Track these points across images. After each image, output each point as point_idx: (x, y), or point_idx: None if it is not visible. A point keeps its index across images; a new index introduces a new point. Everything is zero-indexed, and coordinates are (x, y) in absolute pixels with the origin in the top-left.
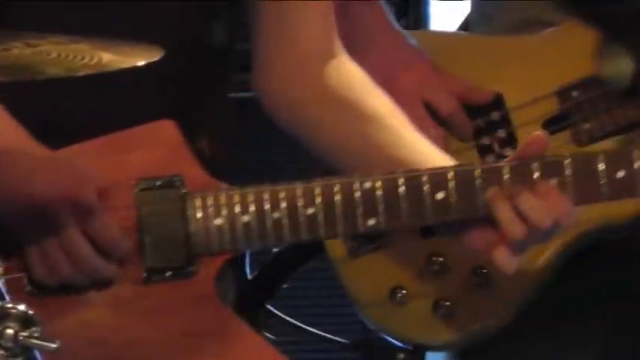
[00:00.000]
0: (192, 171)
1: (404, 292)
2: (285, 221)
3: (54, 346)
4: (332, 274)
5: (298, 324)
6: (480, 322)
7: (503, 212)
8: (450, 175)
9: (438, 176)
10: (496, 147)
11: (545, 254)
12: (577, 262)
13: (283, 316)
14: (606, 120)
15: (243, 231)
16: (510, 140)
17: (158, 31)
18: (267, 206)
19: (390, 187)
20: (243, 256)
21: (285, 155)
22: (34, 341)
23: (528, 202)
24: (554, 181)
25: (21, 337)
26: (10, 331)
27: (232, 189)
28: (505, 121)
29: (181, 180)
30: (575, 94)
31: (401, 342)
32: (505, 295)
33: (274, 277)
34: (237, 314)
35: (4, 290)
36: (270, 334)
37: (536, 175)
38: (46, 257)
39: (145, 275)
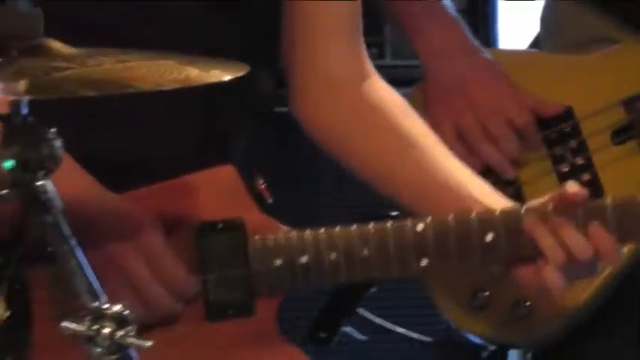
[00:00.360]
0: (252, 214)
1: (485, 294)
2: (342, 261)
3: (148, 344)
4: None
5: (384, 324)
6: (554, 322)
7: (545, 238)
8: (499, 216)
9: (487, 219)
10: (569, 156)
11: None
12: None
13: (370, 316)
14: None
15: (301, 271)
16: (582, 149)
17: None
18: (324, 247)
19: (441, 230)
20: None
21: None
22: (129, 340)
23: (569, 230)
24: (596, 223)
25: (117, 337)
26: (106, 331)
27: (290, 231)
28: (576, 132)
29: (242, 222)
30: None
31: (484, 341)
32: (580, 291)
33: (363, 283)
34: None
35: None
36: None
37: (580, 214)
38: (114, 298)
39: (206, 313)
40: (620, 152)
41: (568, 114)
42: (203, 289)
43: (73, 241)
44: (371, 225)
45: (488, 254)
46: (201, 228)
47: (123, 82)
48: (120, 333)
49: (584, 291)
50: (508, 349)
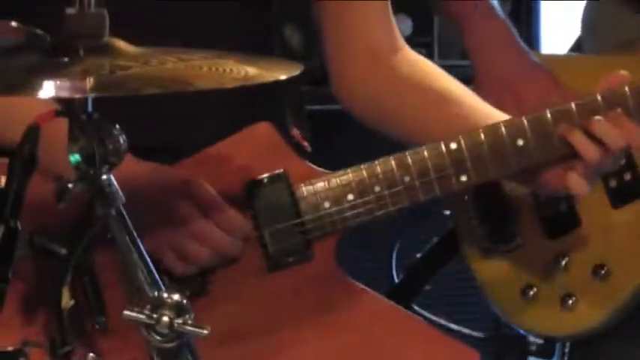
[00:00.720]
0: (294, 163)
1: (534, 289)
2: (386, 192)
3: (205, 332)
4: (467, 274)
5: (437, 319)
6: (603, 312)
7: (579, 140)
8: (525, 122)
9: (514, 125)
10: None
11: None
12: None
13: (423, 312)
14: None
15: (350, 209)
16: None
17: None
18: (367, 182)
19: (474, 143)
20: (390, 263)
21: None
22: (188, 328)
23: (601, 126)
24: (619, 110)
25: (176, 325)
26: (165, 319)
27: (332, 173)
28: None
29: (286, 173)
30: None
31: (533, 335)
32: (625, 287)
33: (418, 280)
34: None
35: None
36: None
37: (601, 106)
38: (182, 252)
39: (268, 265)
40: None
41: None
42: (261, 242)
43: (135, 234)
44: (406, 152)
45: (521, 158)
46: (249, 186)
47: (185, 80)
48: (178, 321)
49: (625, 288)
50: (555, 343)
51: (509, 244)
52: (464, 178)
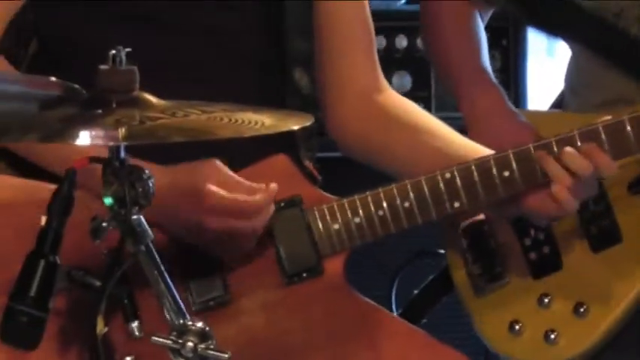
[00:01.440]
0: (308, 190)
1: (520, 324)
2: (388, 216)
3: (226, 356)
4: (459, 309)
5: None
6: (582, 346)
7: (552, 165)
8: (511, 155)
9: (502, 158)
10: (591, 205)
11: (633, 291)
12: None
13: None
14: None
15: (357, 230)
16: (602, 198)
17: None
18: (372, 207)
19: (466, 174)
20: (390, 297)
21: None
22: (211, 352)
23: (570, 155)
24: (592, 143)
25: (199, 349)
26: (190, 344)
27: (341, 199)
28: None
29: (300, 199)
30: None
31: None
32: (601, 324)
33: (415, 314)
34: None
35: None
36: None
37: (577, 141)
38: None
39: (285, 280)
40: (635, 201)
41: None
42: (278, 259)
43: (162, 267)
44: (407, 181)
45: (508, 187)
46: None
47: (207, 130)
48: (202, 346)
49: (602, 325)
50: None
51: (498, 283)
52: (457, 204)
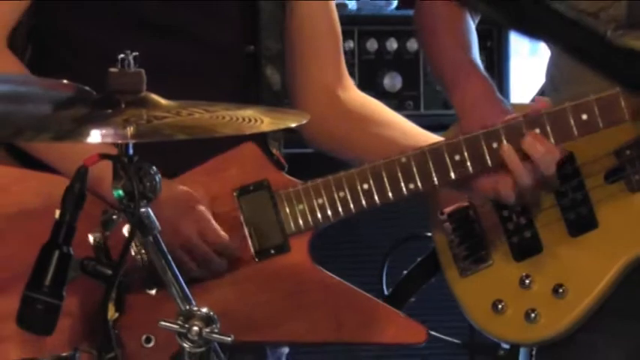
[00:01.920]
0: (275, 175)
1: (503, 304)
2: (349, 197)
3: (229, 339)
4: (445, 290)
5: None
6: (561, 325)
7: (510, 157)
8: (462, 141)
9: (453, 144)
10: (569, 193)
11: (608, 274)
12: None
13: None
14: None
15: (320, 211)
16: (580, 187)
17: None
18: (334, 189)
19: (420, 159)
20: (381, 279)
21: None
22: (215, 335)
23: (529, 143)
24: (537, 130)
25: (204, 333)
26: (196, 328)
27: (305, 183)
28: (576, 173)
29: (268, 182)
30: (628, 152)
31: (501, 342)
32: (579, 304)
33: (404, 294)
34: None
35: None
36: None
37: (523, 129)
38: (178, 262)
39: (254, 256)
40: (611, 190)
41: (570, 159)
42: (250, 237)
43: (169, 256)
44: (366, 165)
45: (458, 170)
46: (239, 192)
47: (210, 128)
48: (207, 330)
49: (581, 304)
50: (519, 348)
51: (482, 265)
52: (412, 186)
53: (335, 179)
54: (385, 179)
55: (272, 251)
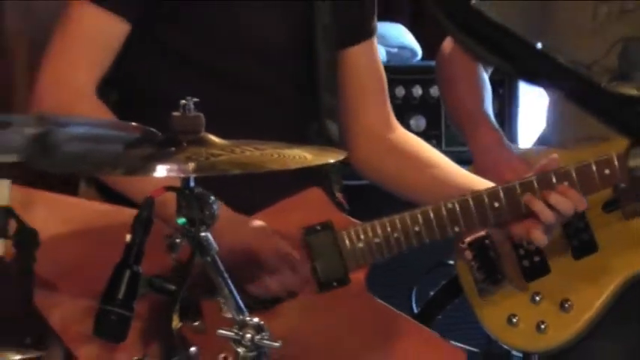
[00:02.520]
0: (337, 216)
1: (516, 318)
2: (402, 238)
3: (277, 344)
4: (466, 307)
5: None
6: (567, 335)
7: (538, 205)
8: (501, 191)
9: (493, 193)
10: (573, 222)
11: (607, 291)
12: None
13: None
14: None
15: (377, 248)
16: (582, 217)
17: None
18: (389, 230)
19: (464, 205)
20: (410, 300)
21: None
22: (265, 342)
23: (555, 197)
24: (566, 184)
25: (256, 339)
26: (249, 335)
27: (364, 224)
28: None
29: (331, 223)
30: (622, 185)
31: (514, 350)
32: (582, 317)
33: (431, 312)
34: None
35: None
36: None
37: (554, 180)
38: (260, 284)
39: (318, 288)
40: (609, 218)
41: None
42: (314, 271)
43: (225, 274)
44: (417, 210)
45: (496, 216)
46: (306, 231)
47: (260, 164)
48: (258, 337)
49: (583, 318)
50: (532, 355)
51: (498, 286)
52: (457, 229)
53: (390, 222)
54: (434, 223)
55: (334, 284)
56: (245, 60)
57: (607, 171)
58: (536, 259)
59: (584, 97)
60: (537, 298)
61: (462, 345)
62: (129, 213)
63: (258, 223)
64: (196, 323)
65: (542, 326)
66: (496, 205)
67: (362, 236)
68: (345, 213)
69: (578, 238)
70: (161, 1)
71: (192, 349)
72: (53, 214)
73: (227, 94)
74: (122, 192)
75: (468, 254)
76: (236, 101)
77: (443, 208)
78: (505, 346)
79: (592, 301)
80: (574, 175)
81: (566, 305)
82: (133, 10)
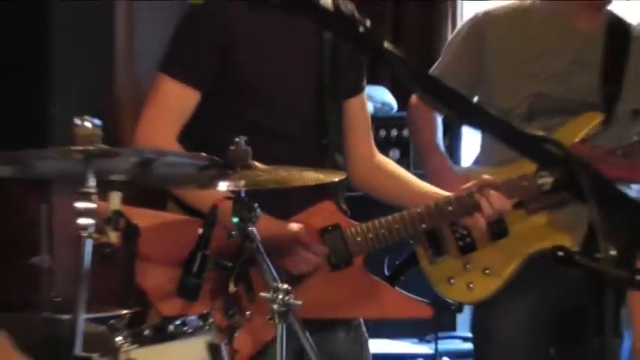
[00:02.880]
0: (343, 220)
1: (454, 279)
2: (387, 233)
3: (299, 303)
4: (420, 273)
5: (407, 294)
6: (486, 292)
7: (485, 203)
8: (453, 198)
9: (449, 200)
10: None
11: (514, 264)
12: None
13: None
14: (544, 201)
15: (370, 242)
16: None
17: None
18: (378, 228)
19: (429, 210)
20: (383, 267)
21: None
22: (292, 301)
23: (493, 199)
24: (496, 192)
25: (285, 299)
26: (280, 297)
27: (362, 224)
28: None
29: (339, 225)
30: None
31: (453, 301)
32: (498, 280)
33: (397, 275)
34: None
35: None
36: None
37: (489, 190)
38: (294, 265)
39: (330, 269)
40: (517, 213)
41: None
42: (328, 258)
43: (265, 256)
44: (397, 214)
45: (452, 216)
46: (321, 231)
47: (288, 181)
48: (287, 298)
49: (498, 281)
50: (464, 305)
51: (442, 257)
52: (424, 225)
53: (379, 222)
54: (408, 222)
55: (342, 265)
56: (279, 115)
57: (525, 183)
58: (468, 240)
59: (504, 134)
60: (468, 267)
61: (417, 297)
62: (198, 220)
63: (290, 224)
64: (249, 294)
65: (471, 286)
66: (450, 208)
67: (360, 233)
68: (348, 217)
69: (496, 226)
70: (223, 77)
71: (247, 312)
72: (149, 219)
73: (266, 137)
74: (192, 203)
75: (423, 237)
76: (272, 140)
77: (415, 212)
78: (446, 299)
79: (504, 269)
80: (502, 186)
81: (487, 272)
82: (203, 83)
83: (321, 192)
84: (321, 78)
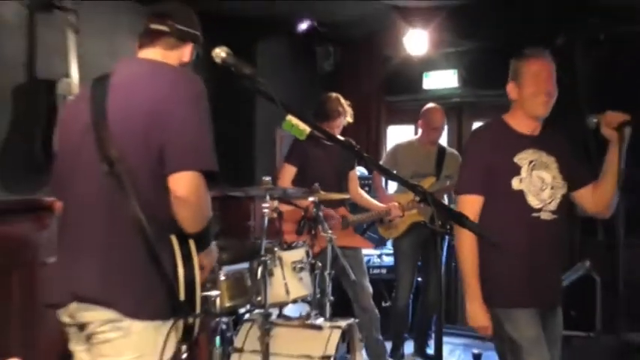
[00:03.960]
0: (348, 215)
1: (387, 230)
2: (369, 217)
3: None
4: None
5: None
6: (393, 235)
7: (394, 211)
8: (384, 209)
9: (384, 209)
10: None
11: (405, 224)
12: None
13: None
14: (416, 205)
15: (360, 219)
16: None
17: None
18: (363, 217)
19: (388, 212)
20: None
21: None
22: (333, 237)
23: (395, 209)
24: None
25: (332, 237)
26: (330, 235)
27: (358, 214)
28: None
29: (346, 216)
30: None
31: (385, 237)
32: (398, 231)
33: (366, 230)
34: None
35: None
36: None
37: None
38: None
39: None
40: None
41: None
42: (342, 224)
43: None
44: (372, 211)
45: (387, 214)
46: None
47: (326, 198)
48: (332, 236)
49: (402, 227)
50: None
51: (384, 225)
52: (387, 218)
53: (363, 216)
54: (376, 215)
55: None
56: (323, 180)
57: (414, 199)
58: (389, 220)
59: (411, 188)
60: (391, 228)
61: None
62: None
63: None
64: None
65: (391, 231)
66: (387, 211)
67: (355, 220)
68: (350, 212)
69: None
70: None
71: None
72: (285, 208)
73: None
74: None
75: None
76: (323, 187)
77: (380, 212)
78: (382, 235)
79: (401, 227)
80: (404, 204)
81: (396, 228)
82: (299, 163)
83: (337, 201)
84: (334, 160)
